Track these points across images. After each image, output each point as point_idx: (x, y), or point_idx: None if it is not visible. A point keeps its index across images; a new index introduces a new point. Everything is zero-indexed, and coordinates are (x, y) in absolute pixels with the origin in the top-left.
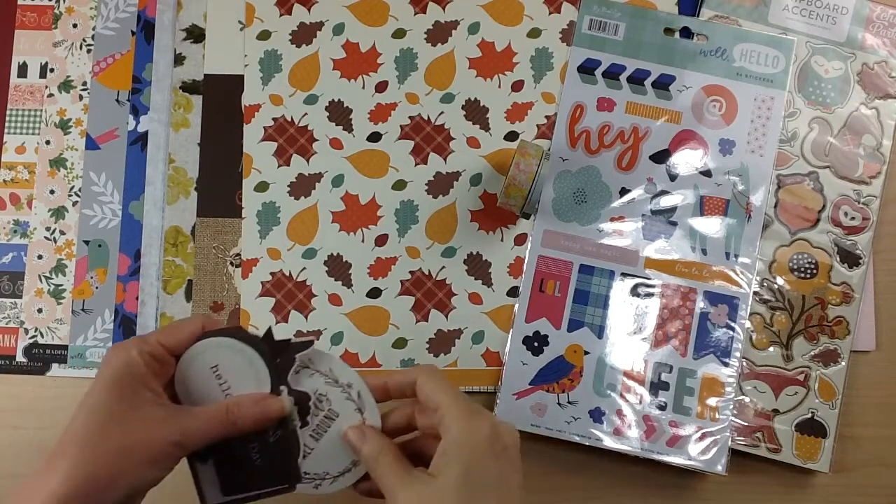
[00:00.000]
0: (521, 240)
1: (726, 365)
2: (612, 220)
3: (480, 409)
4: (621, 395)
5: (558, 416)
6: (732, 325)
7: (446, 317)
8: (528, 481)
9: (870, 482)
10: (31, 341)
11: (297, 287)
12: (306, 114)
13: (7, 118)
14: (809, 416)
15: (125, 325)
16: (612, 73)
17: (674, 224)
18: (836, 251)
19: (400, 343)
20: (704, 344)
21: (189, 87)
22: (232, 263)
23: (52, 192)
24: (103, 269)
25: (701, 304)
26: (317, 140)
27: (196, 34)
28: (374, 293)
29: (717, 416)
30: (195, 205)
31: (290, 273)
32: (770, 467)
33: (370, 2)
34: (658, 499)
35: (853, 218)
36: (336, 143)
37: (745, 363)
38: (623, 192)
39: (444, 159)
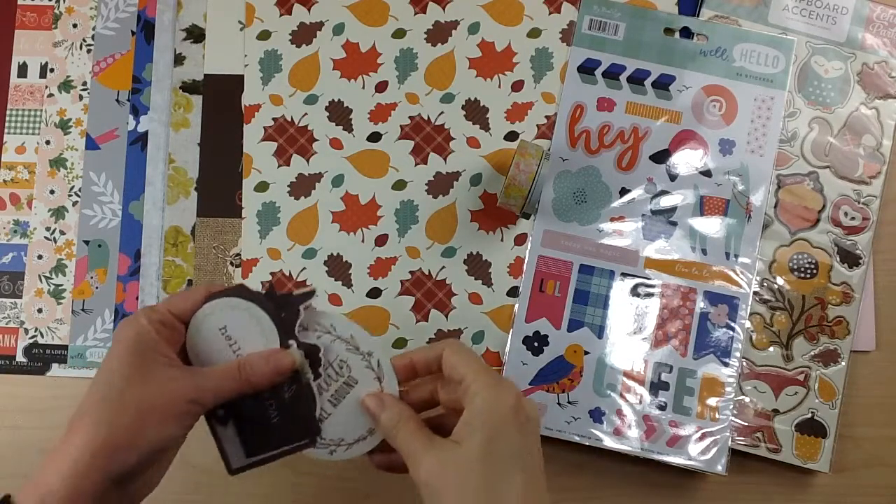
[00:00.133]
0: (521, 240)
1: (726, 365)
2: (612, 220)
3: (506, 380)
4: (621, 395)
5: (558, 416)
6: (732, 325)
7: (446, 317)
8: None
9: (870, 482)
10: (31, 341)
11: (298, 287)
12: (306, 114)
13: (7, 118)
14: (809, 416)
15: None
16: (612, 73)
17: (674, 224)
18: (836, 251)
19: (400, 343)
20: (704, 344)
21: (189, 87)
22: (232, 263)
23: (52, 192)
24: (103, 269)
25: (701, 304)
26: (317, 140)
27: (196, 34)
28: (374, 293)
29: (717, 416)
30: (195, 205)
31: (290, 273)
32: (770, 467)
33: (370, 2)
34: (658, 499)
35: (853, 218)
36: (336, 143)
37: (745, 363)
38: (623, 192)
39: (444, 159)
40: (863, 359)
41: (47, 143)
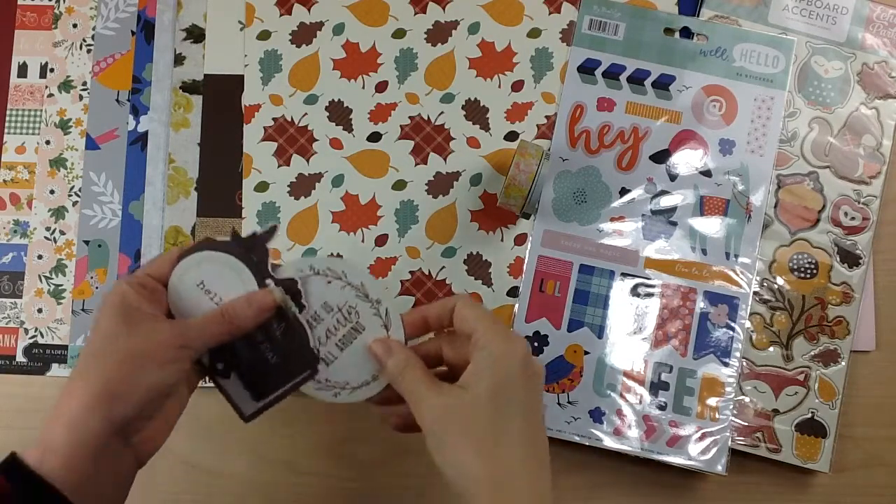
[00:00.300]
0: (521, 240)
1: (726, 365)
2: (612, 220)
3: (516, 335)
4: (621, 395)
5: (558, 416)
6: (732, 325)
7: None
8: None
9: (870, 482)
10: (31, 341)
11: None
12: (306, 114)
13: (7, 118)
14: (809, 416)
15: None
16: (612, 73)
17: (674, 224)
18: (836, 251)
19: None
20: (704, 344)
21: (189, 87)
22: None
23: (52, 192)
24: (103, 269)
25: (701, 304)
26: (317, 140)
27: (196, 34)
28: None
29: (717, 416)
30: (195, 205)
31: None
32: (770, 467)
33: (370, 2)
34: (658, 499)
35: (853, 218)
36: (336, 143)
37: (745, 363)
38: (623, 192)
39: (444, 159)
40: (863, 359)
41: (47, 143)
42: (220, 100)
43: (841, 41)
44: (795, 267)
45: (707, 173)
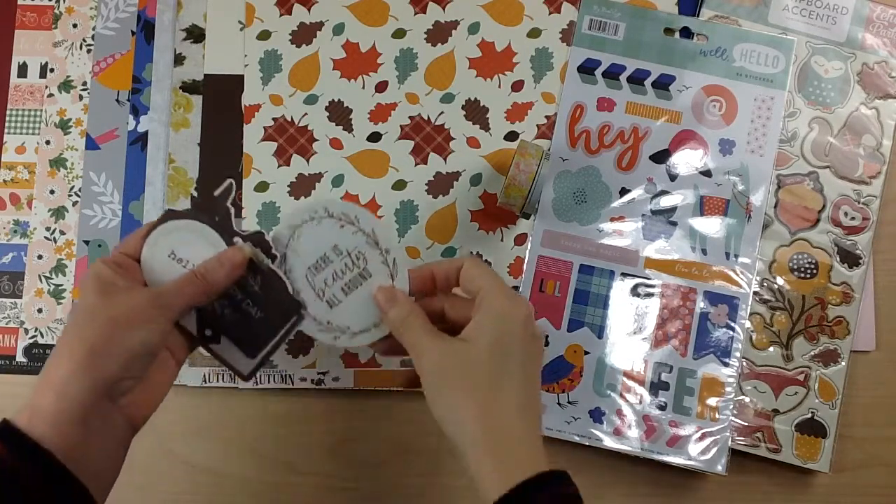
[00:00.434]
0: (521, 240)
1: (726, 365)
2: (612, 220)
3: (521, 296)
4: (621, 395)
5: (558, 416)
6: (732, 325)
7: None
8: None
9: (870, 482)
10: (31, 341)
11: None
12: (306, 114)
13: (7, 118)
14: (809, 416)
15: None
16: (612, 73)
17: (674, 224)
18: (836, 251)
19: None
20: (704, 344)
21: (189, 87)
22: None
23: (52, 192)
24: None
25: (701, 304)
26: (317, 140)
27: (196, 34)
28: None
29: (717, 416)
30: None
31: None
32: (770, 467)
33: (370, 2)
34: (658, 499)
35: (853, 218)
36: (336, 143)
37: (745, 363)
38: (623, 192)
39: (444, 159)
40: (863, 359)
41: (47, 143)
42: (220, 100)
43: (841, 41)
44: (795, 267)
45: (707, 173)
